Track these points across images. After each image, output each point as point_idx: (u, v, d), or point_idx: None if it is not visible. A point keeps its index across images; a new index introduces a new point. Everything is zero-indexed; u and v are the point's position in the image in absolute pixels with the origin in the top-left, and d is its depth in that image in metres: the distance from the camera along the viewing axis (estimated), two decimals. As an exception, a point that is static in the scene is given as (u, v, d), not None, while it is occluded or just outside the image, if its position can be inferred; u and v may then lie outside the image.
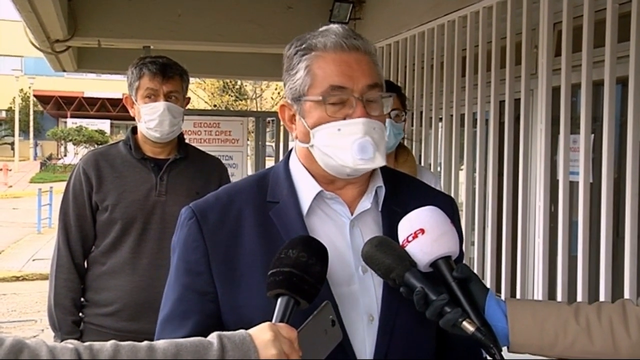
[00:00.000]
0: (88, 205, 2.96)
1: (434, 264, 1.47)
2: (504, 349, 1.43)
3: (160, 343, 1.25)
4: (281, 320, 1.34)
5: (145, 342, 1.25)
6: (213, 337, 1.28)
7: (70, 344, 1.21)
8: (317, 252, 1.41)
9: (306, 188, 1.57)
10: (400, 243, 1.49)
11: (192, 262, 1.55)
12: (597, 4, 3.26)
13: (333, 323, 1.38)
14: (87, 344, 1.22)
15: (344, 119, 1.49)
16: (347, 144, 1.48)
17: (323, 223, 1.56)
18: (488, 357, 1.43)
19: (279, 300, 1.37)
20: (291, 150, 1.66)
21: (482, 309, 1.44)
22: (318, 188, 1.56)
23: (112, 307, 2.92)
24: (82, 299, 3.00)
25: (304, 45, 1.53)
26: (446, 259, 1.47)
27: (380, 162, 1.50)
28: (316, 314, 1.36)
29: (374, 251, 1.46)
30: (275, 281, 1.38)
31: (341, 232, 1.55)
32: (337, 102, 1.49)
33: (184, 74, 3.03)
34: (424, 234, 1.46)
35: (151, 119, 2.91)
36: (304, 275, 1.37)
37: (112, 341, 1.24)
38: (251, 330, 1.30)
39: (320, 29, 1.55)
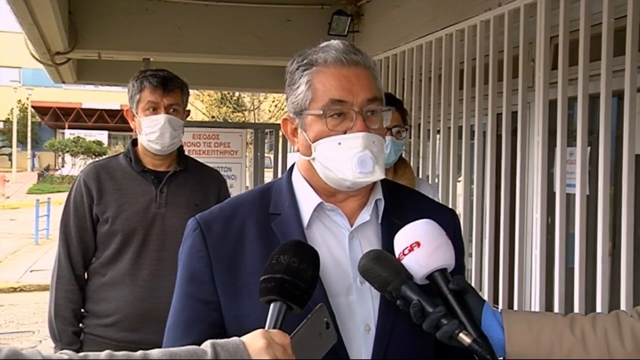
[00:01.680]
0: (89, 217, 2.98)
1: (430, 277, 1.49)
2: (500, 359, 1.45)
3: (155, 352, 1.26)
4: (274, 326, 1.36)
5: (140, 352, 1.26)
6: (207, 345, 1.29)
7: (65, 354, 1.22)
8: (309, 257, 1.43)
9: (307, 200, 1.60)
10: (397, 256, 1.50)
11: (196, 271, 1.58)
12: (593, 18, 3.29)
13: (327, 326, 1.40)
14: (82, 354, 1.23)
15: (344, 132, 1.52)
16: (347, 157, 1.51)
17: (323, 234, 1.58)
18: None
19: (272, 306, 1.39)
20: (294, 163, 1.69)
21: (479, 320, 1.46)
22: (318, 200, 1.58)
23: (113, 318, 2.94)
24: (82, 310, 3.02)
25: (305, 61, 1.56)
26: (442, 271, 1.49)
27: (379, 175, 1.53)
28: (310, 317, 1.38)
29: (371, 264, 1.47)
30: (267, 287, 1.40)
31: (340, 244, 1.58)
32: (337, 116, 1.52)
33: (184, 86, 3.05)
34: (419, 247, 1.48)
35: (152, 131, 2.93)
36: (295, 281, 1.38)
37: (107, 351, 1.25)
38: (244, 338, 1.31)
39: (322, 45, 1.58)
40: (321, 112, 1.52)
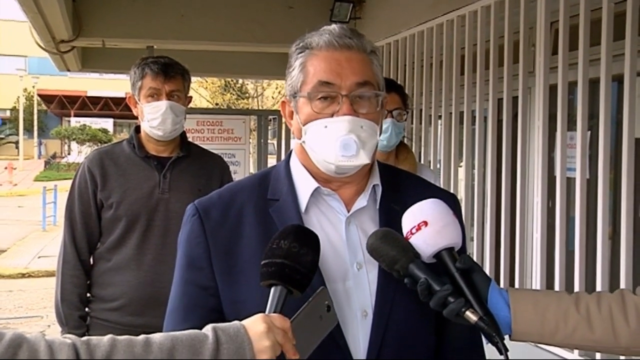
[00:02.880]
0: (93, 203, 2.98)
1: (437, 255, 1.48)
2: (506, 337, 1.45)
3: (157, 337, 1.26)
4: (275, 310, 1.36)
5: (142, 336, 1.25)
6: (208, 329, 1.29)
7: (69, 338, 1.22)
8: (309, 242, 1.43)
9: (304, 185, 1.59)
10: (405, 235, 1.50)
11: (194, 257, 1.57)
12: (593, 3, 3.27)
13: (328, 308, 1.40)
14: (84, 338, 1.23)
15: (332, 115, 1.51)
16: (330, 140, 1.50)
17: (320, 220, 1.57)
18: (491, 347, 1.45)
19: (272, 290, 1.39)
20: (293, 148, 1.68)
21: (485, 298, 1.46)
22: (315, 185, 1.57)
23: (118, 302, 2.95)
24: (88, 295, 3.03)
25: (301, 44, 1.56)
26: (449, 250, 1.48)
27: (364, 159, 1.51)
28: (311, 300, 1.38)
29: (379, 243, 1.47)
30: (268, 272, 1.40)
31: (337, 229, 1.57)
32: (324, 99, 1.51)
33: (186, 73, 3.04)
34: (427, 226, 1.47)
35: (154, 117, 2.93)
36: (295, 266, 1.38)
37: (110, 335, 1.24)
38: (245, 322, 1.31)
39: (320, 29, 1.57)
40: (314, 94, 1.51)
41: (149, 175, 2.99)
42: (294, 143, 1.65)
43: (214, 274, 1.54)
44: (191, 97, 3.16)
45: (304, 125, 1.55)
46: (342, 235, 1.56)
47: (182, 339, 1.26)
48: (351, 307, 1.52)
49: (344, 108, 1.50)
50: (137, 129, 3.07)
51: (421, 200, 1.53)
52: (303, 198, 1.58)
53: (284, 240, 1.41)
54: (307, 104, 1.53)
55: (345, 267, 1.54)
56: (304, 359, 1.35)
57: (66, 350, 1.18)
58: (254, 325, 1.30)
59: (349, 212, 1.58)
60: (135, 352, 1.22)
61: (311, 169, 1.59)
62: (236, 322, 1.32)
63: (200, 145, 3.31)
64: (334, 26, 1.57)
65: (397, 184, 1.66)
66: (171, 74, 2.95)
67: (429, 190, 1.68)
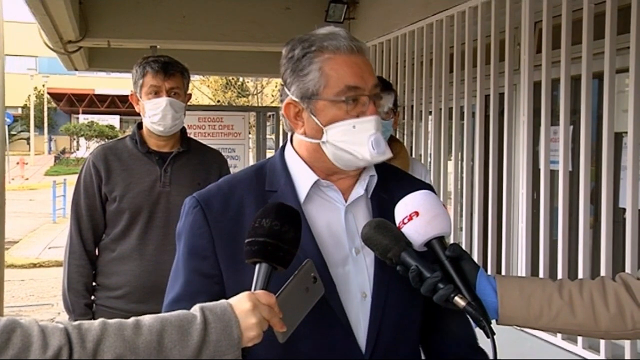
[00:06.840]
0: (98, 197, 2.97)
1: (428, 244, 1.49)
2: (493, 321, 1.46)
3: (146, 319, 1.25)
4: (260, 287, 1.36)
5: (132, 319, 1.25)
6: (196, 309, 1.28)
7: (61, 323, 1.21)
8: (290, 219, 1.42)
9: (303, 177, 1.59)
10: (397, 225, 1.51)
11: (198, 247, 1.56)
12: (575, 3, 3.28)
13: (315, 280, 1.40)
14: (76, 323, 1.22)
15: (357, 116, 1.53)
16: (363, 140, 1.52)
17: (319, 209, 1.58)
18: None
19: (257, 267, 1.39)
20: (285, 143, 1.67)
21: (473, 284, 1.47)
22: (315, 177, 1.58)
23: (122, 290, 2.94)
24: (93, 283, 3.03)
25: (313, 48, 1.54)
26: (439, 239, 1.49)
27: (389, 153, 1.55)
28: (297, 273, 1.38)
29: (373, 232, 1.48)
30: (251, 250, 1.40)
31: (336, 217, 1.58)
32: (352, 101, 1.52)
33: (185, 71, 3.03)
34: (418, 217, 1.48)
35: (155, 113, 2.92)
36: (278, 244, 1.38)
37: (101, 319, 1.24)
38: (232, 300, 1.31)
39: (323, 31, 1.56)
40: (343, 98, 1.51)
41: (151, 169, 2.97)
42: (289, 138, 1.65)
43: (218, 263, 1.54)
44: (190, 95, 3.15)
45: (325, 126, 1.54)
46: (341, 223, 1.58)
47: (171, 320, 1.25)
48: (351, 289, 1.54)
49: (371, 109, 1.53)
50: (140, 125, 3.06)
51: (405, 190, 1.55)
52: (302, 189, 1.58)
53: (266, 219, 1.40)
54: (332, 106, 1.53)
55: (345, 252, 1.56)
56: (292, 330, 1.35)
57: (58, 335, 1.17)
58: (240, 303, 1.30)
59: (346, 201, 1.59)
60: (125, 334, 1.21)
61: (318, 164, 1.59)
62: (223, 300, 1.32)
63: (200, 141, 3.30)
64: (338, 29, 1.57)
65: (385, 175, 1.67)
66: (171, 72, 2.94)
67: (411, 182, 1.72)
